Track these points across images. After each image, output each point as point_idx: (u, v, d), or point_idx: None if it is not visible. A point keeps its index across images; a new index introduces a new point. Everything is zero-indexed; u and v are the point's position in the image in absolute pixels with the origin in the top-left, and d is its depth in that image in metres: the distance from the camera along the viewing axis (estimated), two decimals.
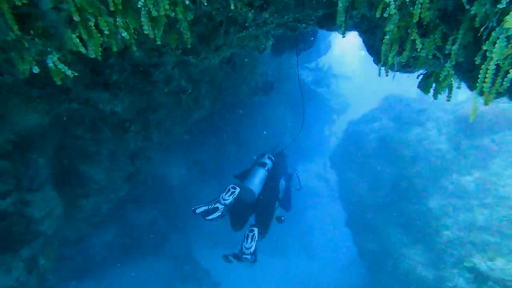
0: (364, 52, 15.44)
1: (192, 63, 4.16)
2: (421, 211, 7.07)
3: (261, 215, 5.14)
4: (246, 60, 5.26)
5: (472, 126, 6.32)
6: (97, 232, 6.10)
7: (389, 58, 1.61)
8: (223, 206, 4.87)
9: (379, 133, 8.09)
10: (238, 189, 5.02)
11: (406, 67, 1.79)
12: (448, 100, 2.02)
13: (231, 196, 4.90)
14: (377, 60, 1.86)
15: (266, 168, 5.60)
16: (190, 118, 5.48)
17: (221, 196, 4.96)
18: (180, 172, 8.19)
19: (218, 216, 4.81)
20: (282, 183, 5.94)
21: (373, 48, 1.77)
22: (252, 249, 4.62)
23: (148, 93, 4.00)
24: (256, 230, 4.81)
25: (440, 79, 1.85)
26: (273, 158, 5.95)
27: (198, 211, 4.82)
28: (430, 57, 1.51)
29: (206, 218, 4.75)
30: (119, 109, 3.63)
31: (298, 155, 12.39)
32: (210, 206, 4.91)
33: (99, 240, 6.43)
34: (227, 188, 5.04)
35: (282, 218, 5.49)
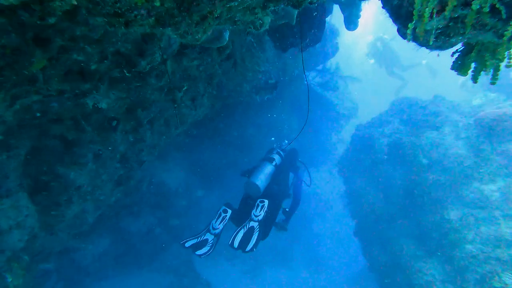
0: (373, 61, 14.86)
1: (186, 56, 3.80)
2: (437, 222, 6.52)
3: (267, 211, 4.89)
4: (247, 54, 4.88)
5: (495, 130, 5.80)
6: (88, 242, 5.72)
7: (425, 19, 1.18)
8: (213, 237, 4.91)
9: (390, 138, 7.59)
10: (229, 212, 5.04)
11: (443, 37, 1.36)
12: (493, 83, 1.58)
13: (222, 222, 4.95)
14: (403, 28, 1.43)
15: (274, 164, 5.59)
16: (187, 118, 5.09)
17: (211, 224, 5.00)
18: (179, 177, 7.79)
19: (209, 250, 4.86)
20: (292, 179, 5.91)
21: (400, 9, 1.35)
22: (260, 217, 4.61)
23: (138, 89, 3.63)
24: (266, 202, 4.78)
25: (489, 52, 1.41)
26: (282, 154, 5.91)
27: (187, 245, 4.83)
28: (487, 10, 1.08)
29: (196, 253, 4.77)
30: (104, 105, 3.25)
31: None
32: (199, 239, 4.95)
33: (92, 250, 6.03)
34: (218, 213, 5.08)
35: (286, 210, 5.46)
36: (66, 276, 5.63)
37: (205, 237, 4.92)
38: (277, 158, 5.74)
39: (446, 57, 1.78)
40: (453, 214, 6.20)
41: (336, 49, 10.78)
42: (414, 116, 7.23)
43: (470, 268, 5.59)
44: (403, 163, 7.30)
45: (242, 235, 4.55)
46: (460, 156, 6.18)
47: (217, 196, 10.70)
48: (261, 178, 5.23)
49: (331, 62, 9.93)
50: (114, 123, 3.63)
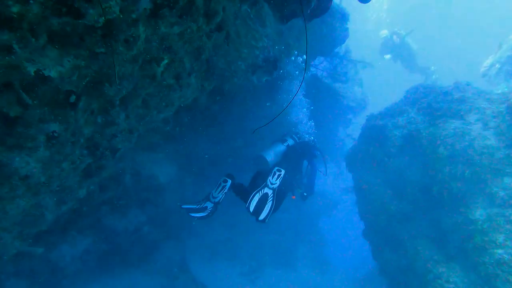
0: (388, 56, 14.04)
1: (163, 20, 3.10)
2: (459, 223, 5.73)
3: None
4: (242, 27, 4.15)
5: None
6: (61, 242, 5.11)
7: None
8: (212, 205, 4.94)
9: (406, 129, 6.80)
10: (229, 182, 5.10)
11: None
12: None
13: (222, 192, 5.00)
14: None
15: (286, 144, 5.72)
16: (173, 100, 4.40)
17: (211, 193, 5.07)
18: (171, 171, 7.13)
19: (204, 216, 4.82)
20: (306, 165, 5.99)
21: None
22: (275, 186, 4.65)
23: (102, 57, 2.94)
24: (283, 171, 4.81)
25: None
26: (296, 139, 6.00)
27: (184, 206, 4.90)
28: None
29: (192, 214, 4.77)
30: (53, 74, 2.58)
31: None
32: (199, 205, 4.96)
33: (71, 250, 5.42)
34: (218, 183, 5.14)
35: (305, 194, 5.56)
36: (40, 279, 5.03)
37: (204, 205, 4.93)
38: (290, 140, 5.82)
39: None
40: (479, 214, 5.41)
41: (346, 35, 9.96)
42: (434, 104, 6.41)
43: (501, 276, 4.80)
44: (419, 156, 6.51)
45: (257, 199, 4.54)
46: (489, 148, 5.36)
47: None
48: (270, 154, 5.28)
49: (341, 48, 9.14)
50: (73, 98, 2.96)
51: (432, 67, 14.52)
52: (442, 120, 6.16)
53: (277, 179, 4.74)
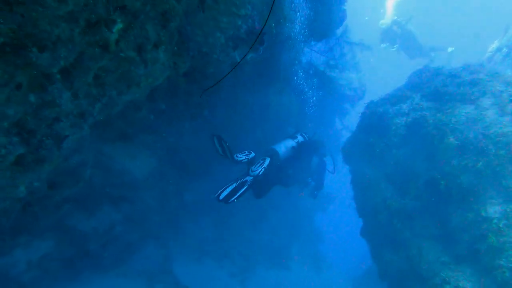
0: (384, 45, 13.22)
1: None
2: (470, 221, 5.11)
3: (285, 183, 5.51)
4: None
5: None
6: (17, 245, 4.38)
7: None
8: (251, 178, 4.90)
9: (410, 116, 6.13)
10: (268, 160, 5.13)
11: None
12: None
13: (261, 166, 4.99)
14: None
15: (296, 140, 5.90)
16: (137, 79, 3.65)
17: (250, 169, 5.07)
18: (149, 165, 6.39)
19: (245, 190, 4.76)
20: (315, 162, 6.30)
21: None
22: (256, 173, 4.84)
23: (20, 9, 2.19)
24: (268, 160, 5.08)
25: None
26: (306, 136, 6.15)
27: (221, 197, 4.68)
28: None
29: (229, 201, 4.61)
30: None
31: None
32: (237, 183, 4.89)
33: (26, 255, 4.69)
34: (257, 161, 5.17)
35: (315, 192, 6.26)
36: None
37: (244, 179, 4.92)
38: (300, 137, 5.98)
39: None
40: (494, 211, 4.78)
41: (343, 16, 9.20)
42: (441, 88, 5.73)
43: None
44: (425, 146, 5.84)
45: (231, 189, 4.67)
46: (505, 136, 4.71)
47: (202, 189, 9.34)
48: (281, 146, 5.52)
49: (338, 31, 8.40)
50: None
51: (450, 48, 13.75)
52: (451, 106, 5.49)
53: (259, 166, 4.87)
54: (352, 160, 7.70)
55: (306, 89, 9.78)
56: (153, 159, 6.79)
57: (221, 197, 4.51)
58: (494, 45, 10.38)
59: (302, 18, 6.58)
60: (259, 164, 4.91)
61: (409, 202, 6.13)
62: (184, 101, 6.51)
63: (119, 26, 2.88)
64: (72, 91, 3.00)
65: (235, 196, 4.52)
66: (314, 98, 10.15)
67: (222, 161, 9.21)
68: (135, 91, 3.82)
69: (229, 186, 4.67)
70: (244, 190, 4.62)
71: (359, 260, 11.16)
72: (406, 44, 14.20)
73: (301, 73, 9.13)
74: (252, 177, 4.76)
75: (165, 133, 6.75)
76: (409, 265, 5.99)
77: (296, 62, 7.50)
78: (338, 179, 13.35)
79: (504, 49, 9.62)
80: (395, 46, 14.66)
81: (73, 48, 2.68)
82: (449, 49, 13.69)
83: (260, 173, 4.79)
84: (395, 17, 14.30)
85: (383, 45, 15.02)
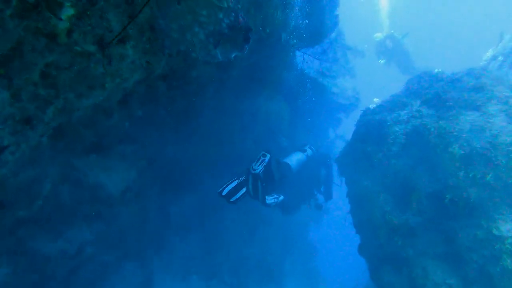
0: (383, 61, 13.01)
1: None
2: (480, 239, 4.63)
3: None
4: None
5: None
6: None
7: None
8: (250, 176, 4.95)
9: (409, 124, 5.70)
10: (268, 156, 5.10)
11: None
12: None
13: (261, 165, 4.97)
14: None
15: (306, 154, 6.10)
16: (100, 79, 3.12)
17: (251, 165, 5.06)
18: (126, 178, 5.79)
19: (245, 192, 4.97)
20: (323, 174, 6.52)
21: None
22: (257, 171, 4.84)
23: None
24: (268, 156, 5.05)
25: None
26: (313, 149, 6.43)
27: (224, 193, 4.84)
28: None
29: (231, 200, 4.82)
30: None
31: None
32: (239, 180, 5.03)
33: None
34: (257, 157, 5.12)
35: (320, 203, 6.50)
36: None
37: (243, 178, 5.05)
38: (308, 150, 6.21)
39: None
40: (507, 230, 4.31)
41: (335, 22, 8.88)
42: (443, 93, 5.33)
43: None
44: (427, 156, 5.40)
45: (233, 186, 4.86)
46: None
47: (189, 202, 8.73)
48: (293, 161, 5.66)
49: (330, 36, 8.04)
50: None
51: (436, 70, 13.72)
52: (455, 113, 5.08)
53: (260, 164, 4.86)
54: (348, 171, 7.21)
55: (298, 97, 9.37)
56: (132, 172, 6.18)
57: (224, 193, 4.63)
58: (489, 53, 10.18)
59: (292, 21, 6.20)
60: (260, 162, 4.88)
61: (411, 217, 5.64)
62: (166, 108, 5.99)
63: (69, 11, 2.36)
64: (12, 91, 2.45)
65: (236, 197, 4.68)
66: (307, 106, 9.73)
67: (211, 171, 8.68)
68: (99, 94, 3.28)
69: (232, 182, 4.80)
70: (244, 192, 4.81)
71: (355, 276, 10.57)
72: (398, 59, 14.08)
73: (293, 79, 8.72)
74: (252, 175, 4.79)
75: (146, 142, 6.19)
76: (412, 287, 5.46)
77: (287, 67, 7.07)
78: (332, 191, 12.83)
79: (500, 58, 9.39)
80: (383, 60, 14.59)
81: (5, 35, 2.14)
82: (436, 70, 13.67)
83: (261, 171, 4.78)
84: (392, 31, 14.19)
85: (381, 61, 14.96)
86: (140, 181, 6.33)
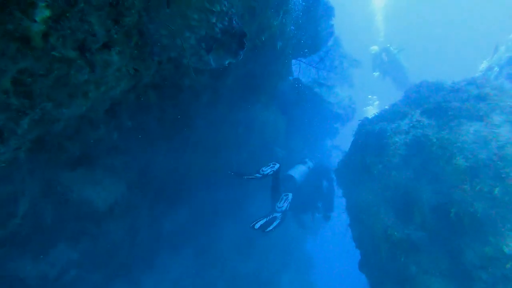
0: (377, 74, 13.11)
1: None
2: (489, 257, 4.39)
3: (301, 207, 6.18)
4: None
5: None
6: None
7: None
8: (280, 214, 5.47)
9: (410, 134, 5.52)
10: (290, 195, 5.63)
11: None
12: None
13: (286, 202, 5.52)
14: None
15: (307, 166, 6.47)
16: (83, 87, 2.87)
17: (276, 205, 5.59)
18: (115, 192, 5.47)
19: (278, 224, 5.38)
20: (325, 186, 6.75)
21: None
22: (283, 209, 5.42)
23: None
24: (290, 195, 5.59)
25: None
26: (314, 161, 6.82)
27: (256, 226, 5.16)
28: None
29: (266, 230, 5.19)
30: None
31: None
32: (268, 218, 5.38)
33: None
34: (281, 197, 5.63)
35: (328, 214, 6.64)
36: None
37: (273, 215, 5.44)
38: (309, 162, 6.58)
39: None
40: None
41: (330, 32, 8.80)
42: (444, 103, 5.17)
43: None
44: (430, 168, 5.19)
45: (263, 222, 5.18)
46: None
47: (182, 215, 8.38)
48: (296, 172, 6.09)
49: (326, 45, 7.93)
50: None
51: None
52: (457, 123, 4.91)
53: (284, 202, 5.42)
54: (347, 183, 6.98)
55: (294, 107, 9.20)
56: (121, 185, 5.86)
57: (257, 226, 4.99)
58: (484, 65, 10.19)
59: (288, 29, 6.06)
60: (284, 200, 5.41)
61: (414, 232, 5.39)
62: (158, 118, 5.73)
63: (44, 13, 2.12)
64: None
65: (270, 228, 5.05)
66: (303, 116, 9.55)
67: (205, 183, 8.37)
68: (81, 103, 3.02)
69: (262, 219, 5.16)
70: (277, 224, 5.20)
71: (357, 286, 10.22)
72: (393, 73, 14.15)
73: (289, 89, 8.56)
74: (280, 213, 5.31)
75: (136, 154, 5.90)
76: None
77: (283, 76, 6.91)
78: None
79: (496, 68, 9.37)
80: (376, 72, 14.69)
81: None
82: None
83: (287, 208, 5.35)
84: (388, 45, 14.28)
85: (375, 74, 15.04)
86: (130, 195, 6.00)
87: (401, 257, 5.52)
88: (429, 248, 5.21)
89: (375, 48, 14.63)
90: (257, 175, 5.24)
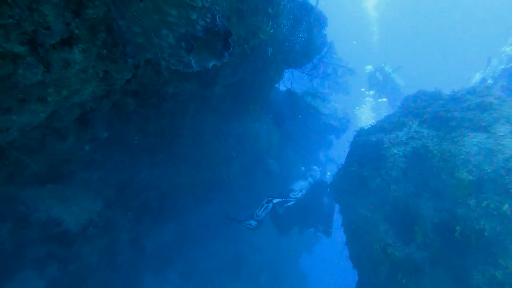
0: (372, 92, 13.11)
1: None
2: (499, 281, 3.99)
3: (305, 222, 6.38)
4: None
5: None
6: None
7: None
8: (255, 223, 5.89)
9: (409, 146, 5.19)
10: (271, 204, 5.91)
11: None
12: None
13: (265, 211, 5.86)
14: None
15: (308, 181, 6.66)
16: (37, 91, 2.46)
17: (255, 212, 5.90)
18: (90, 210, 4.97)
19: (254, 227, 5.91)
20: (326, 202, 6.73)
21: None
22: (260, 218, 5.78)
23: None
24: (271, 205, 5.93)
25: None
26: (314, 176, 6.95)
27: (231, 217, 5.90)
28: None
29: (245, 223, 5.90)
30: None
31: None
32: (243, 224, 5.93)
33: None
34: (261, 204, 5.90)
35: (330, 230, 6.74)
36: None
37: (249, 222, 5.79)
38: (310, 178, 6.72)
39: None
40: None
41: (323, 42, 8.58)
42: (444, 113, 4.88)
43: None
44: (431, 182, 4.85)
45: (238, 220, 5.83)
46: None
47: (166, 233, 7.84)
48: (296, 187, 6.34)
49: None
50: None
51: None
52: (459, 134, 4.60)
53: (263, 211, 5.62)
54: (343, 198, 6.57)
55: (287, 118, 8.88)
56: (98, 202, 5.36)
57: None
58: (477, 77, 10.12)
59: (279, 36, 5.78)
60: (263, 208, 5.59)
61: (416, 251, 4.98)
62: (140, 129, 5.31)
63: None
64: None
65: (244, 225, 5.60)
66: (297, 127, 9.23)
67: (194, 199, 7.88)
68: (38, 109, 2.59)
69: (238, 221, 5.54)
70: (249, 229, 5.60)
71: None
72: (388, 92, 14.12)
73: (282, 99, 8.26)
74: (256, 222, 5.60)
75: (116, 167, 5.43)
76: None
77: (275, 85, 6.59)
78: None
79: (490, 81, 9.27)
80: (372, 91, 14.75)
81: None
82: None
83: (264, 218, 5.56)
84: (382, 64, 14.29)
85: (370, 92, 15.10)
86: (108, 213, 5.49)
87: (402, 278, 5.09)
88: (432, 269, 4.80)
89: (369, 67, 14.65)
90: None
